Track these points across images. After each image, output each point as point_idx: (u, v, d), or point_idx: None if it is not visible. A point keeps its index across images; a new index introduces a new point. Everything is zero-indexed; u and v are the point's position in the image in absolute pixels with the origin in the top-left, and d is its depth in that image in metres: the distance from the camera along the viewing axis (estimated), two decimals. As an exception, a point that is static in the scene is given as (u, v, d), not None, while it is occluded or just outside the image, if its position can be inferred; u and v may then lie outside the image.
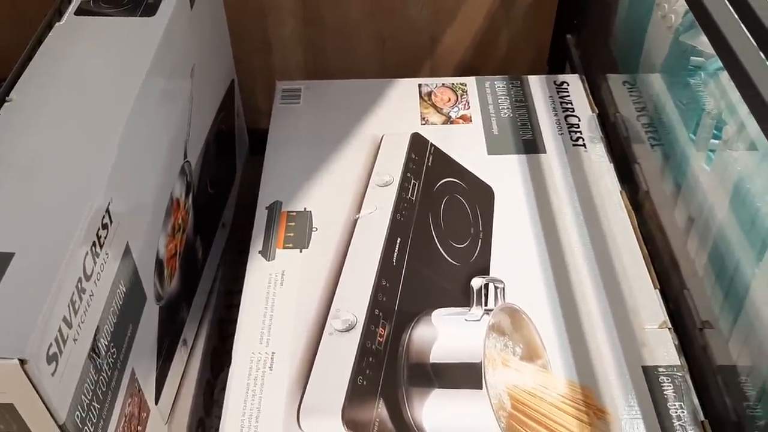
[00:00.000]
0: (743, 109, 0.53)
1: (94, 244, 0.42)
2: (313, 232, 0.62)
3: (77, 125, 0.47)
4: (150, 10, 0.55)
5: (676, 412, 0.50)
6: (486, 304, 0.56)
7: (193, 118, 0.61)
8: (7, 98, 0.47)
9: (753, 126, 0.52)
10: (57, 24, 0.54)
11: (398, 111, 0.74)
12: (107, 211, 0.43)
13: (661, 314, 0.56)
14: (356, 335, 0.54)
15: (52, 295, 0.37)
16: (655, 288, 0.58)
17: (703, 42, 0.63)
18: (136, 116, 0.49)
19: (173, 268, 0.56)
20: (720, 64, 0.59)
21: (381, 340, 0.54)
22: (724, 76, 0.58)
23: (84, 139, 0.46)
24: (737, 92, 0.55)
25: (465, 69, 0.93)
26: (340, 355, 0.53)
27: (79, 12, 0.55)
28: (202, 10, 0.64)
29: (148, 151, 0.52)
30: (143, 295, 0.50)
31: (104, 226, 0.43)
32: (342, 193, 0.66)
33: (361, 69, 0.93)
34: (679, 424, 0.49)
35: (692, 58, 0.64)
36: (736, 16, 0.48)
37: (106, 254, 0.43)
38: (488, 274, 0.59)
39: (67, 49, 0.53)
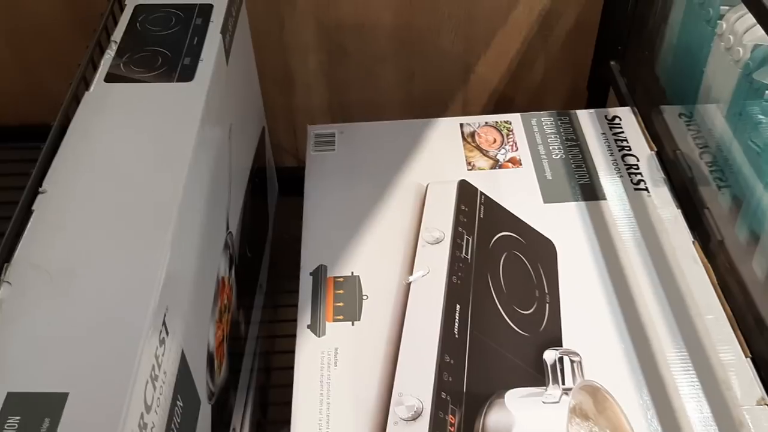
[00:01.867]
0: None
1: (153, 368, 0.36)
2: (363, 300, 0.57)
3: (120, 221, 0.42)
4: (187, 73, 0.50)
5: None
6: (563, 382, 0.51)
7: (233, 183, 0.56)
8: (39, 189, 0.42)
9: None
10: (86, 93, 0.49)
11: (441, 155, 0.69)
12: (164, 324, 0.38)
13: (757, 389, 0.51)
14: (424, 425, 0.49)
15: None
16: (746, 356, 0.53)
17: (782, 80, 0.58)
18: (187, 205, 0.44)
19: (221, 356, 0.51)
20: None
21: (452, 429, 0.49)
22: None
23: (130, 237, 0.41)
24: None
25: (499, 100, 0.88)
26: (408, 450, 0.48)
27: (109, 78, 0.50)
28: (237, 60, 0.59)
29: (198, 239, 0.46)
30: (197, 401, 0.44)
31: (161, 342, 0.37)
32: (389, 253, 0.60)
33: (388, 104, 0.87)
34: None
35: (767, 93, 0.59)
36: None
37: (164, 374, 0.38)
38: (561, 345, 0.54)
39: (101, 125, 0.47)
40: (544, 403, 0.50)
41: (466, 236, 0.61)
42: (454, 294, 0.57)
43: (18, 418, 0.35)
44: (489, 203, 0.64)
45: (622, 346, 0.53)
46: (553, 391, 0.51)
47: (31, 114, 0.85)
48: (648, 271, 0.58)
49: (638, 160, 0.68)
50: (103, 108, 0.48)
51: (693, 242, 0.61)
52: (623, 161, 0.68)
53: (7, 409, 0.35)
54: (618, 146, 0.69)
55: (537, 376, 0.52)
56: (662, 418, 0.49)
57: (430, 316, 0.55)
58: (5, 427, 0.35)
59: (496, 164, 0.68)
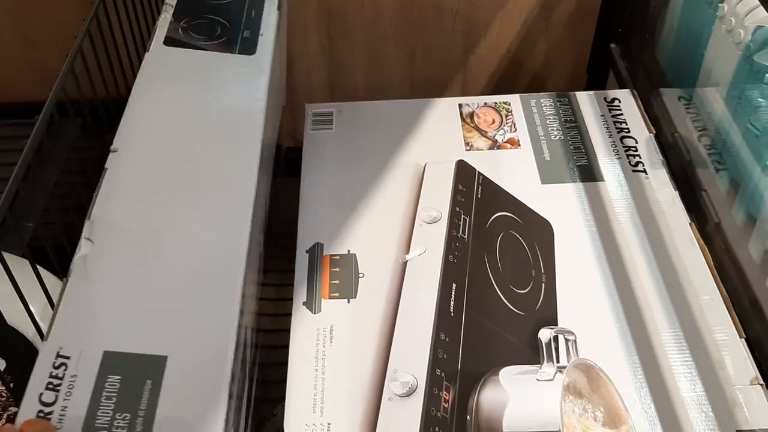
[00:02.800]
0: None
1: (238, 336, 0.37)
2: (359, 278, 0.57)
3: (195, 185, 0.43)
4: (248, 46, 0.50)
5: (782, 487, 0.45)
6: (558, 360, 0.51)
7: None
8: (111, 149, 0.42)
9: None
10: (146, 54, 0.48)
11: (439, 135, 0.69)
12: (242, 295, 0.39)
13: (750, 368, 0.51)
14: (418, 401, 0.49)
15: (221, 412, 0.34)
16: (740, 337, 0.53)
17: (782, 62, 0.58)
18: (258, 178, 0.44)
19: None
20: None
21: (446, 405, 0.49)
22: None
23: (209, 203, 0.42)
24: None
25: (499, 82, 0.87)
26: (402, 425, 0.48)
27: (168, 42, 0.50)
28: (282, 37, 0.59)
29: (256, 212, 0.47)
30: (244, 375, 0.45)
31: (241, 313, 0.38)
32: (386, 232, 0.60)
33: (388, 85, 0.87)
34: (788, 502, 0.44)
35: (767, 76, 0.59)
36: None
37: (242, 345, 0.39)
38: (556, 324, 0.54)
39: (166, 89, 0.48)
40: (538, 380, 0.50)
41: (463, 216, 0.61)
42: (450, 273, 0.57)
43: (118, 377, 0.35)
44: (487, 183, 0.64)
45: (617, 326, 0.53)
46: (547, 368, 0.51)
47: (34, 91, 0.85)
48: (645, 252, 0.58)
49: (637, 142, 0.67)
50: (166, 71, 0.49)
51: (690, 224, 0.61)
52: (622, 143, 0.68)
53: (106, 368, 0.35)
54: (617, 128, 0.69)
55: (532, 354, 0.52)
56: (656, 396, 0.50)
57: (426, 294, 0.55)
58: (106, 385, 0.35)
59: (495, 145, 0.68)
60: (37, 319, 0.44)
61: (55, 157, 0.66)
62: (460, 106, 0.72)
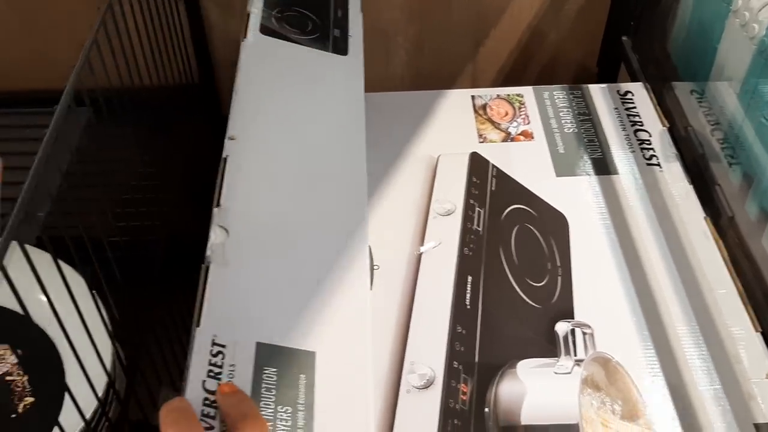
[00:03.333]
0: None
1: None
2: (374, 270, 0.57)
3: (313, 178, 0.44)
4: (340, 46, 0.51)
5: (800, 480, 0.45)
6: (575, 354, 0.51)
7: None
8: (229, 136, 0.42)
9: None
10: (244, 41, 0.49)
11: (452, 127, 0.69)
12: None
13: (766, 362, 0.51)
14: (436, 393, 0.49)
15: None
16: (756, 331, 0.53)
17: (799, 56, 0.58)
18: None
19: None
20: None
21: (464, 398, 0.49)
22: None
23: (329, 197, 0.43)
24: None
25: (508, 74, 0.87)
26: (421, 418, 0.48)
27: (264, 30, 0.50)
28: None
29: None
30: None
31: None
32: (400, 223, 0.60)
33: (397, 76, 0.87)
34: (806, 495, 0.45)
35: (783, 71, 0.59)
36: None
37: None
38: (573, 317, 0.54)
39: (271, 80, 0.49)
40: (556, 373, 0.50)
41: (477, 208, 0.61)
42: (465, 265, 0.57)
43: (274, 369, 0.35)
44: (501, 176, 0.64)
45: (633, 319, 0.54)
46: (565, 362, 0.51)
47: (38, 79, 0.85)
48: (660, 246, 0.58)
49: (650, 136, 0.67)
50: (268, 62, 0.49)
51: (704, 218, 0.61)
52: (635, 136, 0.67)
53: (261, 359, 0.36)
54: (630, 121, 0.69)
55: (549, 347, 0.52)
56: (672, 390, 0.50)
57: (442, 286, 0.55)
58: (264, 377, 0.35)
59: (508, 137, 0.68)
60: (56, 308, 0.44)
61: (67, 146, 0.65)
62: (473, 97, 0.71)
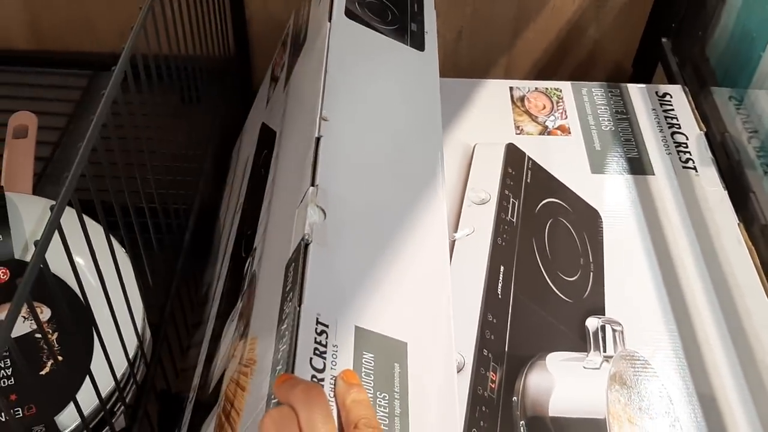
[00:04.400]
0: None
1: None
2: (407, 254, 0.57)
3: (398, 165, 0.46)
4: (417, 40, 0.53)
5: (824, 490, 0.46)
6: (604, 350, 0.52)
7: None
8: (323, 116, 0.43)
9: None
10: (330, 22, 0.49)
11: (489, 116, 0.69)
12: None
13: (795, 371, 0.51)
14: (466, 379, 0.49)
15: None
16: (786, 339, 0.53)
17: None
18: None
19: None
20: None
21: (493, 386, 0.49)
22: None
23: (411, 184, 0.45)
24: None
25: (544, 68, 0.87)
26: (450, 402, 0.48)
27: (348, 14, 0.51)
28: None
29: None
30: None
31: None
32: (434, 209, 0.60)
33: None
34: (830, 505, 0.45)
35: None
36: None
37: None
38: (603, 314, 0.54)
39: (358, 64, 0.50)
40: (585, 368, 0.51)
41: (512, 199, 0.61)
42: (498, 255, 0.57)
43: (372, 355, 0.35)
44: (536, 168, 0.64)
45: (663, 320, 0.54)
46: (594, 357, 0.51)
47: (77, 43, 0.85)
48: (692, 249, 0.58)
49: (687, 139, 0.67)
50: (354, 46, 0.50)
51: (738, 224, 0.61)
52: (672, 138, 0.67)
53: (360, 344, 0.36)
54: (668, 123, 0.69)
55: (578, 341, 0.52)
56: (700, 392, 0.50)
57: (474, 274, 0.55)
58: (363, 362, 0.36)
59: (545, 130, 0.68)
60: (79, 270, 0.44)
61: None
62: (511, 89, 0.71)
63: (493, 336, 0.52)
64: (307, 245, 0.37)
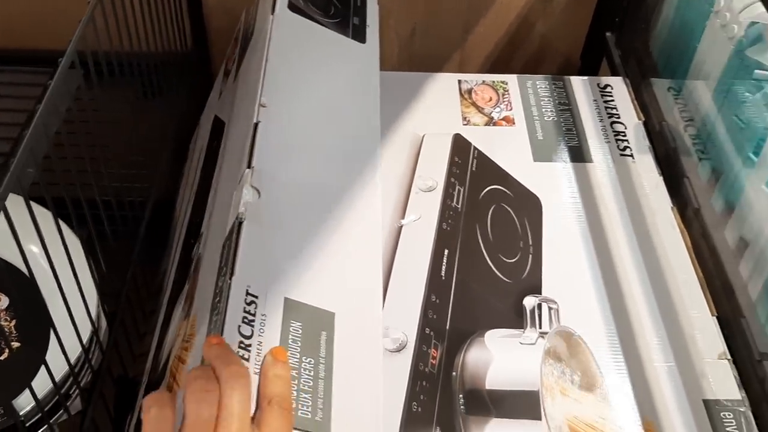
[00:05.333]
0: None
1: None
2: (355, 239, 0.59)
3: (335, 148, 0.48)
4: (359, 33, 0.55)
5: (740, 452, 0.49)
6: (540, 326, 0.54)
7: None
8: (261, 102, 0.45)
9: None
10: (273, 15, 0.51)
11: (438, 108, 0.71)
12: None
13: (719, 344, 0.54)
14: (408, 356, 0.52)
15: None
16: (712, 315, 0.56)
17: (771, 58, 0.61)
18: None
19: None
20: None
21: (434, 362, 0.52)
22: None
23: (349, 165, 0.47)
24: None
25: (495, 62, 0.90)
26: (392, 378, 0.50)
27: (291, 7, 0.53)
28: None
29: None
30: None
31: None
32: (384, 197, 0.62)
33: (387, 58, 0.89)
34: (745, 465, 0.48)
35: (757, 71, 0.62)
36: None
37: None
38: (540, 293, 0.57)
39: (298, 55, 0.52)
40: (521, 344, 0.53)
41: (458, 186, 0.64)
42: (443, 239, 0.59)
43: (299, 324, 0.38)
44: (481, 157, 0.67)
45: (597, 298, 0.57)
46: (530, 333, 0.54)
47: (34, 39, 0.86)
48: (627, 232, 0.61)
49: (626, 128, 0.70)
50: (296, 38, 0.52)
51: (672, 208, 0.64)
52: (611, 128, 0.70)
53: (289, 313, 0.39)
54: (608, 113, 0.72)
55: (516, 319, 0.55)
56: (630, 364, 0.53)
57: (419, 257, 0.58)
58: (291, 330, 0.38)
59: (491, 121, 0.70)
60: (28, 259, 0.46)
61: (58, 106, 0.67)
62: (459, 82, 0.74)
63: (435, 315, 0.54)
64: (240, 223, 0.40)
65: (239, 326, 0.37)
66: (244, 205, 0.41)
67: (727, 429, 0.50)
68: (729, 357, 0.54)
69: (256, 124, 0.45)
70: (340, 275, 0.42)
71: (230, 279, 0.38)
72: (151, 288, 0.68)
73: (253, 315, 0.37)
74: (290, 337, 0.38)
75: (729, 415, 0.50)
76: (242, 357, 0.36)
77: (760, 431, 0.50)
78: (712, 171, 0.65)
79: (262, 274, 0.39)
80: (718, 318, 0.56)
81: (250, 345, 0.36)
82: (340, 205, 0.45)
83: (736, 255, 0.59)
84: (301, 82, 0.50)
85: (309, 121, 0.49)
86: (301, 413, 0.36)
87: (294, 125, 0.47)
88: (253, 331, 0.37)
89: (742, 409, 0.51)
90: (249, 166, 0.43)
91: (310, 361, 0.38)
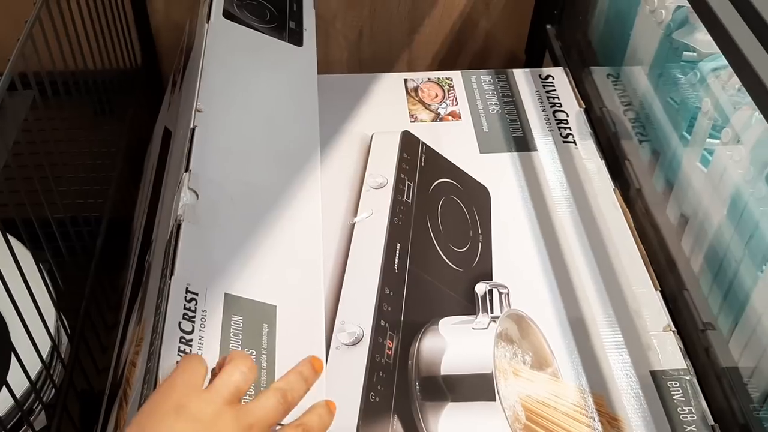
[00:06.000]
0: (746, 112, 0.54)
1: None
2: (309, 240, 0.60)
3: (272, 149, 0.49)
4: (296, 37, 0.56)
5: (686, 417, 0.50)
6: (492, 311, 0.56)
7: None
8: (197, 107, 0.46)
9: (757, 129, 0.52)
10: (208, 24, 0.52)
11: (385, 107, 0.73)
12: None
13: (664, 317, 0.56)
14: (364, 349, 0.53)
15: None
16: (656, 290, 0.58)
17: (697, 40, 0.63)
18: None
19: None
20: (717, 63, 0.60)
21: (390, 353, 0.53)
22: (724, 75, 0.58)
23: (286, 167, 0.48)
24: (740, 94, 0.55)
25: (443, 60, 0.92)
26: (349, 371, 0.52)
27: (226, 15, 0.54)
28: None
29: None
30: None
31: None
32: (335, 196, 0.64)
33: (337, 62, 0.90)
34: (690, 430, 0.50)
35: (685, 53, 0.64)
36: (735, 11, 0.48)
37: None
38: (491, 279, 0.58)
39: (233, 60, 0.53)
40: (474, 329, 0.55)
41: (407, 182, 0.65)
42: (395, 233, 0.61)
43: (240, 317, 0.39)
44: (430, 152, 0.68)
45: (546, 280, 0.58)
46: (482, 318, 0.55)
47: None
48: (572, 215, 0.63)
49: (568, 116, 0.73)
50: (231, 44, 0.53)
51: (614, 190, 0.66)
52: (554, 116, 0.72)
53: (229, 308, 0.40)
54: (550, 103, 0.74)
55: (469, 306, 0.57)
56: (579, 342, 0.55)
57: (373, 252, 0.59)
58: (232, 324, 0.39)
59: (437, 117, 0.72)
60: None
61: (4, 135, 0.67)
62: (405, 81, 0.75)
63: (390, 308, 0.56)
64: (179, 225, 0.41)
65: (180, 323, 0.38)
66: (183, 208, 0.42)
67: (674, 397, 0.52)
68: (674, 329, 0.56)
69: (193, 129, 0.46)
70: (280, 270, 0.44)
71: (170, 279, 0.39)
72: (112, 302, 0.69)
73: (194, 311, 0.39)
74: (231, 330, 0.39)
75: (675, 384, 0.52)
76: (183, 351, 0.37)
77: (705, 398, 0.52)
78: (651, 152, 0.67)
79: (202, 271, 0.41)
80: (662, 292, 0.58)
81: (191, 340, 0.38)
82: (279, 203, 0.47)
83: (677, 231, 0.62)
84: (238, 86, 0.51)
85: (246, 123, 0.50)
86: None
87: (231, 128, 0.49)
88: (193, 326, 0.38)
89: (687, 378, 0.53)
90: (187, 170, 0.44)
91: (253, 352, 0.39)
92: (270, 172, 0.48)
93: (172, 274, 0.39)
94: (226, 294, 0.40)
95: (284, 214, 0.46)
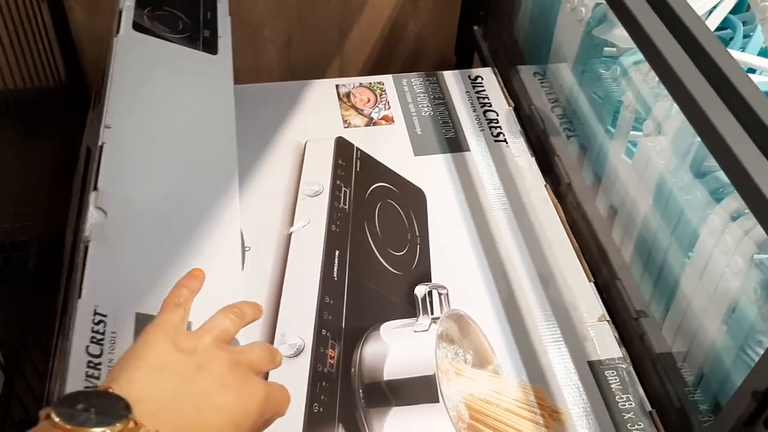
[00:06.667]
0: (666, 104, 0.56)
1: None
2: (246, 252, 0.60)
3: (184, 163, 0.48)
4: (210, 45, 0.54)
5: (624, 405, 0.52)
6: (432, 312, 0.56)
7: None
8: (106, 124, 0.44)
9: (677, 120, 0.54)
10: (117, 37, 0.51)
11: (318, 114, 0.73)
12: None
13: (598, 307, 0.58)
14: (306, 360, 0.53)
15: None
16: (589, 281, 0.60)
17: (616, 35, 0.65)
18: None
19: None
20: (636, 57, 0.61)
21: (332, 362, 0.53)
22: (642, 70, 0.60)
23: (200, 180, 0.47)
24: (659, 86, 0.57)
25: (375, 64, 0.92)
26: (291, 383, 0.51)
27: (136, 27, 0.52)
28: None
29: None
30: None
31: None
32: (270, 207, 0.63)
33: (267, 69, 0.90)
34: (629, 417, 0.51)
35: (606, 49, 0.66)
36: (649, 6, 0.49)
37: None
38: (430, 281, 0.59)
39: (144, 73, 0.52)
40: (415, 331, 0.55)
41: (343, 188, 0.65)
42: (333, 241, 0.61)
43: None
44: (365, 157, 0.69)
45: (483, 278, 0.59)
46: (423, 320, 0.56)
47: None
48: (506, 212, 0.64)
49: (498, 115, 0.74)
50: (141, 57, 0.52)
51: (545, 186, 0.67)
52: (485, 116, 0.74)
53: (140, 328, 0.39)
54: (480, 103, 0.75)
55: (409, 309, 0.57)
56: (518, 338, 0.56)
57: (311, 261, 0.59)
58: None
59: (371, 122, 0.72)
60: None
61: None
62: (337, 86, 0.75)
63: (330, 316, 0.56)
64: (86, 246, 0.40)
65: (87, 346, 0.37)
66: (90, 228, 0.41)
67: (612, 386, 0.53)
68: (608, 318, 0.57)
69: (101, 147, 0.45)
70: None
71: (77, 301, 0.38)
72: (49, 327, 0.67)
73: (102, 334, 0.38)
74: None
75: (612, 372, 0.54)
76: (92, 376, 0.37)
77: (642, 384, 0.54)
78: (579, 147, 0.69)
79: (111, 292, 0.40)
80: (595, 283, 0.60)
81: (99, 363, 0.37)
82: (194, 216, 0.46)
83: (608, 222, 0.63)
84: (149, 99, 0.51)
85: (158, 137, 0.49)
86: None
87: (142, 143, 0.48)
88: (102, 349, 0.38)
89: (623, 366, 0.54)
90: (95, 188, 0.43)
91: None
92: (184, 185, 0.48)
93: (79, 296, 0.39)
94: (137, 313, 0.40)
95: (200, 228, 0.46)
